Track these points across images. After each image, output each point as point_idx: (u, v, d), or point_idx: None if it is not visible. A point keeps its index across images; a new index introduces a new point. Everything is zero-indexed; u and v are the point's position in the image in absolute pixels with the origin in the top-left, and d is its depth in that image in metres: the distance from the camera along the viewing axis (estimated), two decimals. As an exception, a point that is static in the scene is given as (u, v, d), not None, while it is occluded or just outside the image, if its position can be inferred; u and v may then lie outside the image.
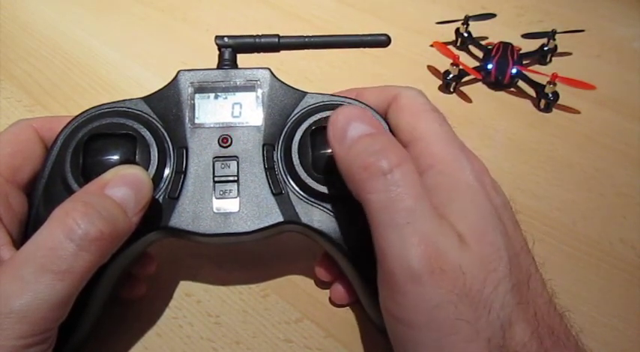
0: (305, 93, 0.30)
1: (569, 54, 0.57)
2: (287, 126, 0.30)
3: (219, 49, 0.31)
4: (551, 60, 0.56)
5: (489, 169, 0.28)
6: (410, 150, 0.27)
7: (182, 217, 0.28)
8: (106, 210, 0.23)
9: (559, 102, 0.49)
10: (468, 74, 0.50)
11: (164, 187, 0.28)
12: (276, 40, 0.31)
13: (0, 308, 0.21)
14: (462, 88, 0.51)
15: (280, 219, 0.28)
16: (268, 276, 0.34)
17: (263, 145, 0.29)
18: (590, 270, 0.35)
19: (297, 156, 0.28)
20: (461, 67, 0.50)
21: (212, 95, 0.30)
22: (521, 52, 0.53)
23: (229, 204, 0.28)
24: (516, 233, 0.26)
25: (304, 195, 0.28)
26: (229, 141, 0.29)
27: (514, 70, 0.50)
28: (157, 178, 0.28)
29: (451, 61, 0.50)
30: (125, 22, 0.58)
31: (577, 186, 0.41)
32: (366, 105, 0.30)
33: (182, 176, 0.28)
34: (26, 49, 0.53)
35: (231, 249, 0.35)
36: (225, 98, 0.30)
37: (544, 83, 0.48)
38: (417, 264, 0.22)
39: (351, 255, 0.28)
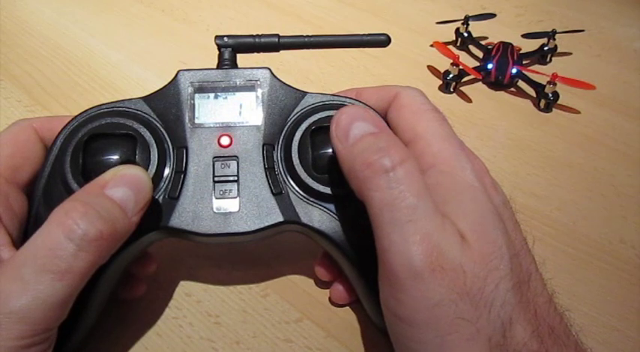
0: (305, 93, 0.30)
1: (569, 54, 0.57)
2: (287, 126, 0.30)
3: (219, 49, 0.31)
4: (551, 60, 0.56)
5: (489, 169, 0.28)
6: (410, 150, 0.27)
7: (182, 217, 0.28)
8: (105, 210, 0.23)
9: (559, 102, 0.49)
10: (468, 74, 0.50)
11: (164, 187, 0.28)
12: (276, 39, 0.31)
13: (0, 309, 0.21)
14: (462, 88, 0.51)
15: (280, 218, 0.28)
16: (268, 276, 0.34)
17: (263, 145, 0.29)
18: (590, 270, 0.35)
19: (297, 155, 0.28)
20: (461, 67, 0.50)
21: (212, 95, 0.30)
22: (521, 52, 0.53)
23: (229, 204, 0.28)
24: (516, 232, 0.26)
25: (304, 194, 0.28)
26: (229, 141, 0.29)
27: (514, 70, 0.50)
28: (157, 178, 0.28)
29: (451, 61, 0.50)
30: (125, 22, 0.58)
31: (577, 186, 0.41)
32: (366, 105, 0.30)
33: (182, 176, 0.28)
34: (26, 49, 0.53)
35: (231, 249, 0.35)
36: (225, 98, 0.30)
37: (544, 83, 0.48)
38: (418, 261, 0.22)
39: (351, 254, 0.28)
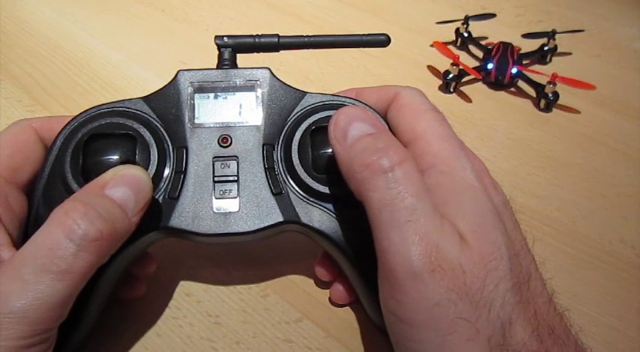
0: (305, 93, 0.30)
1: (569, 54, 0.57)
2: (287, 126, 0.30)
3: (218, 49, 0.31)
4: (551, 60, 0.56)
5: (489, 169, 0.28)
6: (410, 150, 0.27)
7: (182, 217, 0.28)
8: (105, 211, 0.23)
9: (559, 102, 0.49)
10: (468, 74, 0.50)
11: (164, 187, 0.28)
12: (276, 39, 0.31)
13: (0, 309, 0.21)
14: (462, 88, 0.51)
15: (280, 218, 0.28)
16: (268, 276, 0.34)
17: (263, 145, 0.29)
18: (590, 270, 0.35)
19: (297, 155, 0.28)
20: (461, 67, 0.50)
21: (212, 95, 0.30)
22: (521, 52, 0.53)
23: (229, 204, 0.28)
24: (516, 232, 0.26)
25: (304, 194, 0.28)
26: (229, 141, 0.29)
27: (514, 70, 0.50)
28: (157, 178, 0.28)
29: (451, 61, 0.50)
30: (125, 22, 0.58)
31: (577, 186, 0.41)
32: (366, 105, 0.30)
33: (182, 176, 0.28)
34: (26, 49, 0.53)
35: (231, 248, 0.35)
36: (225, 98, 0.30)
37: (544, 83, 0.48)
38: (417, 262, 0.22)
39: (351, 254, 0.28)
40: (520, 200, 0.39)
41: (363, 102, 0.30)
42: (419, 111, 0.28)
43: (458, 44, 0.57)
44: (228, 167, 0.28)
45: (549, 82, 0.48)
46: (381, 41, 0.32)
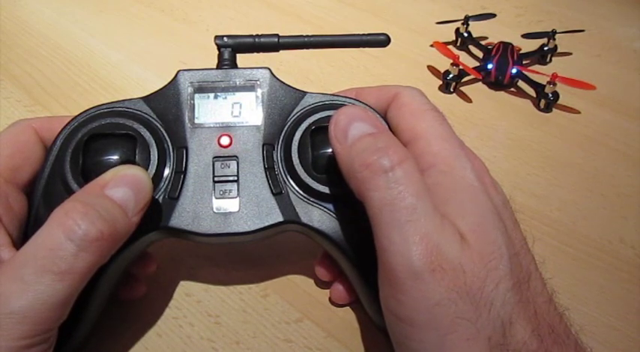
0: (305, 93, 0.30)
1: (569, 54, 0.57)
2: (287, 126, 0.30)
3: (218, 49, 0.31)
4: (551, 60, 0.56)
5: (489, 169, 0.28)
6: (410, 150, 0.27)
7: (182, 217, 0.28)
8: (105, 211, 0.23)
9: (559, 102, 0.49)
10: (468, 74, 0.50)
11: (164, 187, 0.28)
12: (276, 39, 0.31)
13: (0, 309, 0.21)
14: (462, 88, 0.51)
15: (280, 218, 0.28)
16: (268, 276, 0.34)
17: (263, 145, 0.29)
18: (590, 270, 0.35)
19: (296, 155, 0.28)
20: (461, 67, 0.50)
21: (212, 95, 0.30)
22: (521, 52, 0.53)
23: (229, 204, 0.28)
24: (516, 232, 0.26)
25: (304, 194, 0.28)
26: (229, 141, 0.29)
27: (514, 70, 0.50)
28: (157, 178, 0.28)
29: (451, 61, 0.50)
30: (125, 22, 0.58)
31: (577, 186, 0.41)
32: (366, 105, 0.30)
33: (182, 176, 0.28)
34: (26, 49, 0.53)
35: (231, 249, 0.35)
36: (225, 98, 0.30)
37: (544, 83, 0.48)
38: (418, 261, 0.22)
39: (351, 254, 0.28)
40: (520, 200, 0.39)
41: (363, 102, 0.30)
42: (419, 110, 0.28)
43: (458, 44, 0.57)
44: (228, 167, 0.28)
45: (549, 82, 0.48)
46: (381, 41, 0.32)
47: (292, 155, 0.28)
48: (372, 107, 0.30)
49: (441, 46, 0.52)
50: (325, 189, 0.28)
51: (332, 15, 0.62)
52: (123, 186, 0.24)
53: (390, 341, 0.25)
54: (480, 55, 0.55)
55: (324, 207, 0.28)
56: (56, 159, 0.28)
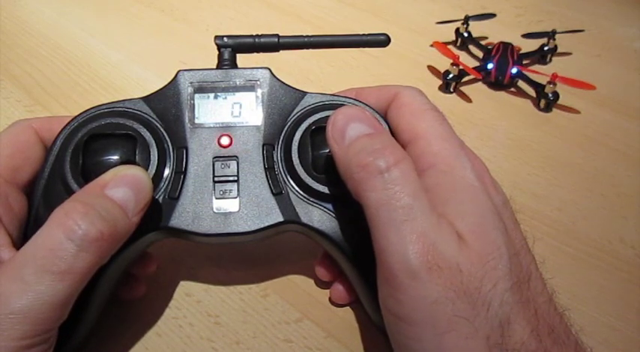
0: (305, 93, 0.30)
1: (569, 54, 0.57)
2: (287, 126, 0.30)
3: (218, 49, 0.31)
4: (551, 60, 0.56)
5: (489, 169, 0.28)
6: (411, 150, 0.27)
7: (182, 217, 0.28)
8: (106, 211, 0.23)
9: (559, 102, 0.49)
10: (468, 74, 0.50)
11: (164, 187, 0.28)
12: (276, 39, 0.31)
13: (0, 309, 0.21)
14: (462, 88, 0.51)
15: (280, 218, 0.28)
16: (268, 276, 0.34)
17: (263, 145, 0.29)
18: (590, 270, 0.35)
19: (297, 155, 0.28)
20: (461, 67, 0.50)
21: (212, 95, 0.30)
22: (521, 52, 0.53)
23: (229, 204, 0.28)
24: (516, 232, 0.26)
25: (304, 194, 0.28)
26: (229, 141, 0.29)
27: (514, 70, 0.50)
28: (157, 178, 0.28)
29: (451, 61, 0.50)
30: (125, 22, 0.58)
31: (577, 186, 0.41)
32: (366, 104, 0.30)
33: (182, 176, 0.28)
34: (26, 49, 0.53)
35: (231, 249, 0.35)
36: (225, 98, 0.30)
37: (544, 83, 0.48)
38: (414, 260, 0.22)
39: (351, 254, 0.28)
40: (520, 200, 0.39)
41: (362, 102, 0.30)
42: (419, 110, 0.28)
43: (458, 44, 0.57)
44: (228, 167, 0.28)
45: (549, 82, 0.48)
46: (381, 41, 0.32)
47: (292, 155, 0.28)
48: (372, 107, 0.30)
49: (441, 46, 0.52)
50: (325, 189, 0.28)
51: (332, 15, 0.62)
52: (123, 186, 0.24)
53: (389, 341, 0.25)
54: (480, 55, 0.55)
55: (324, 207, 0.28)
56: (56, 159, 0.28)
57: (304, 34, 0.31)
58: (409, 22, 0.61)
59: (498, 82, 0.51)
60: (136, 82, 0.50)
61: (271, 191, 0.28)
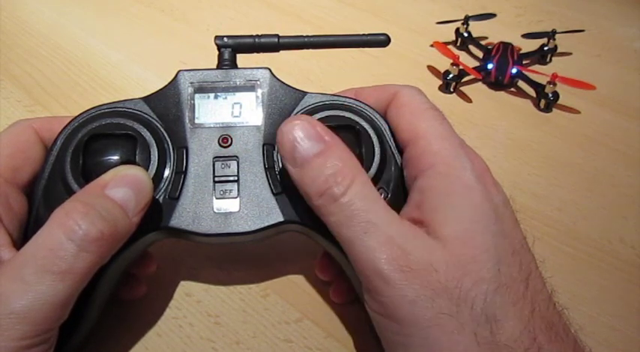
0: (305, 93, 0.30)
1: (569, 54, 0.57)
2: (287, 127, 0.29)
3: (218, 49, 0.31)
4: (551, 60, 0.56)
5: (489, 169, 0.28)
6: (411, 149, 0.27)
7: (182, 217, 0.28)
8: (106, 211, 0.23)
9: (559, 102, 0.49)
10: (468, 74, 0.50)
11: (164, 187, 0.28)
12: (276, 40, 0.31)
13: (0, 309, 0.21)
14: (462, 88, 0.51)
15: (280, 218, 0.28)
16: (268, 276, 0.34)
17: (263, 145, 0.29)
18: (590, 270, 0.35)
19: (297, 156, 0.28)
20: (461, 67, 0.50)
21: (212, 95, 0.30)
22: (521, 52, 0.53)
23: (229, 204, 0.28)
24: (515, 231, 0.26)
25: (304, 195, 0.28)
26: (229, 141, 0.29)
27: (514, 70, 0.50)
28: (157, 178, 0.28)
29: (451, 61, 0.50)
30: (125, 22, 0.58)
31: (577, 186, 0.42)
32: (366, 104, 0.30)
33: (182, 176, 0.28)
34: (26, 49, 0.53)
35: (231, 249, 0.35)
36: (225, 98, 0.30)
37: (544, 83, 0.48)
38: (384, 265, 0.23)
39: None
40: (520, 200, 0.39)
41: (362, 102, 0.30)
42: (419, 110, 0.28)
43: (458, 44, 0.57)
44: (229, 167, 0.28)
45: (549, 82, 0.48)
46: (381, 41, 0.32)
47: (292, 155, 0.28)
48: (372, 107, 0.30)
49: (441, 46, 0.52)
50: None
51: (332, 15, 0.62)
52: (123, 186, 0.24)
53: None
54: (480, 55, 0.55)
55: (325, 207, 0.28)
56: (56, 159, 0.28)
57: (304, 34, 0.31)
58: (409, 22, 0.61)
59: (498, 82, 0.51)
60: (136, 82, 0.50)
61: (271, 191, 0.28)
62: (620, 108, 0.50)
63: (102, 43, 0.54)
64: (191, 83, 0.29)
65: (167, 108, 0.29)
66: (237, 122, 0.29)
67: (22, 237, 0.27)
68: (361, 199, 0.24)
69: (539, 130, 0.47)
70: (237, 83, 0.30)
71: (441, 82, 0.51)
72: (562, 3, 0.66)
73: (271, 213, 0.28)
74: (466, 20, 0.56)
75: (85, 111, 0.29)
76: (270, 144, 0.29)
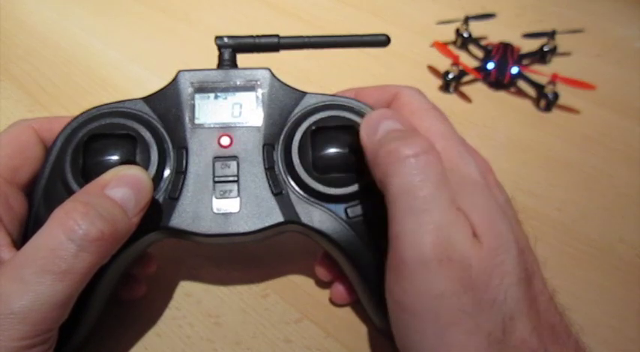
0: (305, 93, 0.30)
1: (569, 54, 0.57)
2: (287, 126, 0.30)
3: (219, 49, 0.31)
4: (551, 60, 0.56)
5: (489, 169, 0.28)
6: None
7: (182, 217, 0.28)
8: (106, 211, 0.23)
9: (559, 102, 0.49)
10: (468, 74, 0.50)
11: (164, 187, 0.28)
12: (276, 40, 0.31)
13: (0, 310, 0.21)
14: (462, 88, 0.51)
15: (280, 219, 0.28)
16: (268, 276, 0.34)
17: (263, 145, 0.29)
18: (590, 270, 0.35)
19: (297, 156, 0.28)
20: (461, 67, 0.50)
21: (212, 95, 0.30)
22: (521, 52, 0.53)
23: (229, 205, 0.28)
24: (519, 231, 0.26)
25: (304, 195, 0.28)
26: (229, 141, 0.29)
27: (514, 70, 0.50)
28: (157, 178, 0.28)
29: (451, 61, 0.50)
30: (125, 22, 0.58)
31: (577, 186, 0.41)
32: (366, 104, 0.30)
33: (182, 176, 0.28)
34: (26, 49, 0.53)
35: (231, 249, 0.35)
36: (225, 98, 0.30)
37: (544, 83, 0.48)
38: (427, 250, 0.22)
39: (351, 254, 0.28)
40: (520, 200, 0.39)
41: (362, 102, 0.30)
42: (420, 110, 0.28)
43: (458, 44, 0.57)
44: (229, 167, 0.28)
45: (549, 82, 0.48)
46: (380, 41, 0.32)
47: (292, 155, 0.28)
48: (372, 107, 0.30)
49: (441, 46, 0.52)
50: (325, 189, 0.28)
51: (332, 15, 0.62)
52: (123, 186, 0.24)
53: (389, 342, 0.25)
54: (480, 55, 0.55)
55: (325, 207, 0.28)
56: (56, 159, 0.28)
57: (304, 34, 0.31)
58: (409, 22, 0.61)
59: (498, 82, 0.51)
60: (136, 82, 0.50)
61: (271, 191, 0.28)
62: (620, 108, 0.50)
63: (102, 43, 0.54)
64: (191, 83, 0.29)
65: (167, 109, 0.29)
66: (237, 122, 0.29)
67: (22, 237, 0.27)
68: (431, 170, 0.23)
69: (539, 130, 0.47)
70: (238, 83, 0.30)
71: (441, 82, 0.51)
72: (562, 3, 0.66)
73: (271, 213, 0.28)
74: (466, 20, 0.56)
75: (85, 112, 0.29)
76: (270, 145, 0.29)
